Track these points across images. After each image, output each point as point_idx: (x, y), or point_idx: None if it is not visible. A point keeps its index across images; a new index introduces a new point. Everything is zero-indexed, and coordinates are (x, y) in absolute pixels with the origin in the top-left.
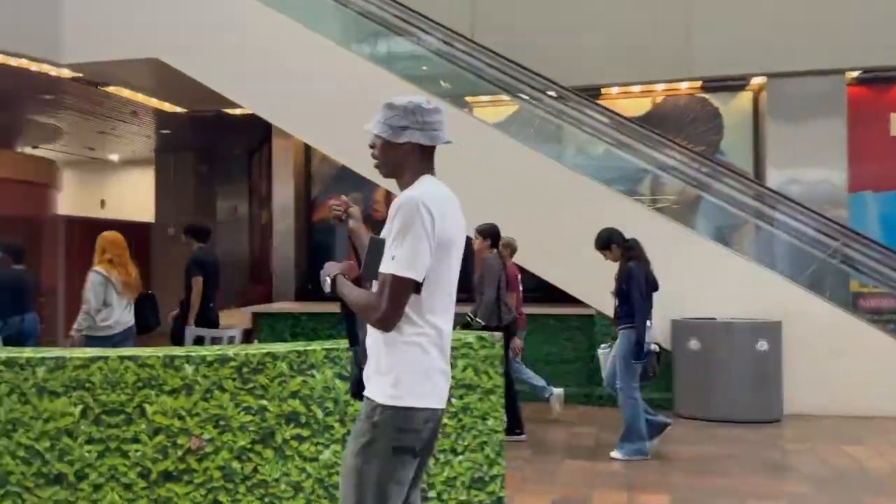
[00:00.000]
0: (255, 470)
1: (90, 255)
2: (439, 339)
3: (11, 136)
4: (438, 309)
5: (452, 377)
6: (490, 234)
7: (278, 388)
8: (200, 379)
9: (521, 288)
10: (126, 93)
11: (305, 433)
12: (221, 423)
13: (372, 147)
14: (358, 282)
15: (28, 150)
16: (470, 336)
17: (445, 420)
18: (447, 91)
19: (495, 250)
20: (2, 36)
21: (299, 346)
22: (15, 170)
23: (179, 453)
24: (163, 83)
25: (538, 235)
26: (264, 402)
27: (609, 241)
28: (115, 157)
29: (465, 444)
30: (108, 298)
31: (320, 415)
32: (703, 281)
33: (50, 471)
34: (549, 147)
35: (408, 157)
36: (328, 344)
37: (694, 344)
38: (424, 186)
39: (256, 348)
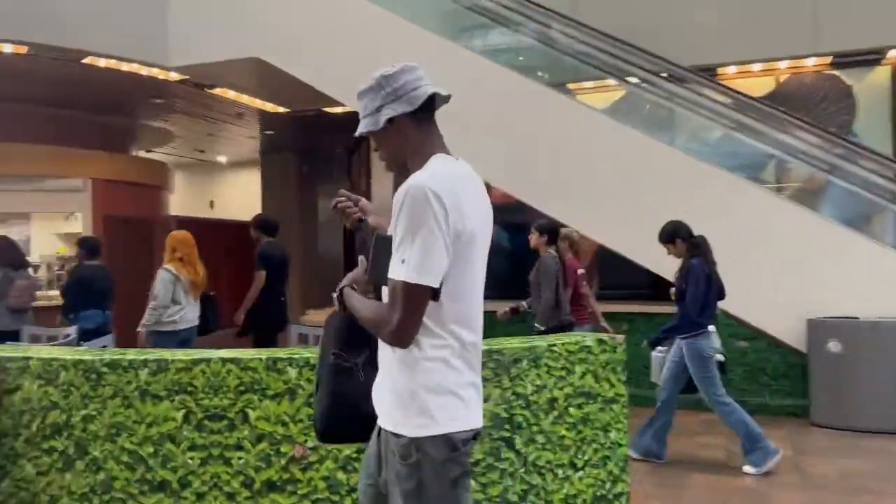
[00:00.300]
0: None
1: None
2: (464, 350)
3: (127, 140)
4: (463, 317)
5: (570, 384)
6: (548, 230)
7: None
8: (304, 383)
9: (584, 283)
10: (231, 94)
11: None
12: None
13: (376, 151)
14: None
15: (142, 153)
16: (588, 339)
17: (563, 432)
18: (546, 80)
19: (553, 248)
20: (113, 41)
21: None
22: (130, 173)
23: (283, 462)
24: (264, 83)
25: (650, 226)
26: None
27: (674, 235)
28: (223, 159)
29: (586, 458)
30: (176, 296)
31: None
32: (841, 275)
33: (154, 477)
34: (661, 132)
35: (400, 138)
36: None
37: (834, 346)
38: (433, 167)
39: None
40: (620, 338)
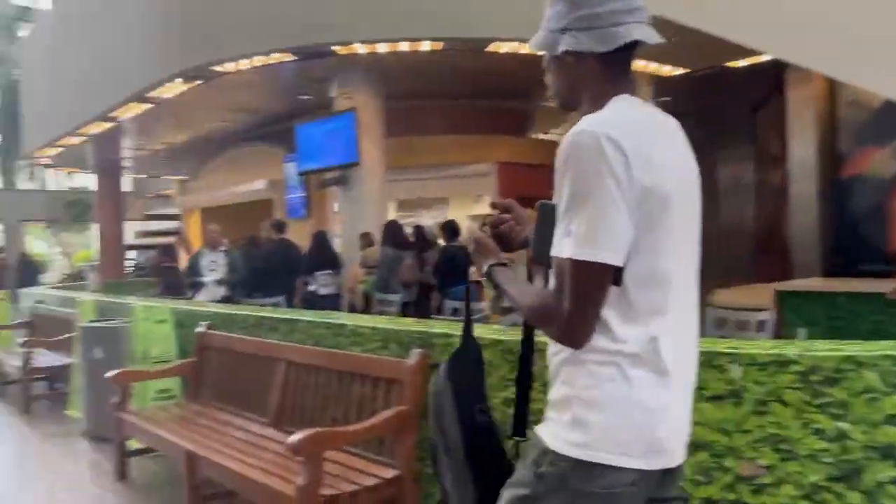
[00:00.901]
0: None
1: None
2: (656, 355)
3: (526, 124)
4: (658, 309)
5: None
6: None
7: (865, 409)
8: (751, 385)
9: None
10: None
11: None
12: (783, 447)
13: (544, 68)
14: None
15: (539, 135)
16: None
17: None
18: None
19: None
20: (511, 24)
21: (894, 347)
22: (529, 155)
23: (728, 479)
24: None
25: None
26: (845, 426)
27: None
28: None
29: None
30: None
31: None
32: None
33: None
34: None
35: (576, 75)
36: None
37: None
38: (611, 108)
39: (830, 348)
40: None
